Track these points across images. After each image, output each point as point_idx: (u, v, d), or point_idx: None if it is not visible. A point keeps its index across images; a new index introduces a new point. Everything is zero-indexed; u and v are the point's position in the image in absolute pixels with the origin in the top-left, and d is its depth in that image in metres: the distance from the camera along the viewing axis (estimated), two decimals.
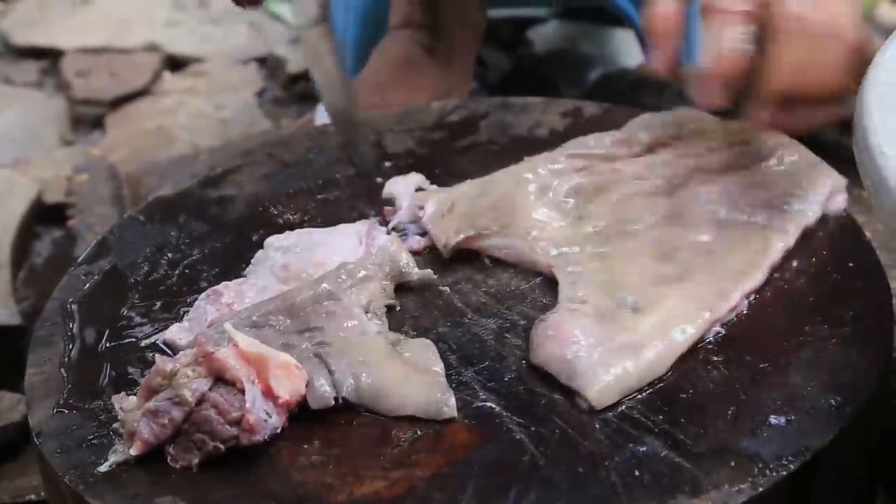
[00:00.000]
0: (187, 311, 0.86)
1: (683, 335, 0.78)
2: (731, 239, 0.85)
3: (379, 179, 1.00)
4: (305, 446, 0.74)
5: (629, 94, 1.49)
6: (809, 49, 0.83)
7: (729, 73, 0.84)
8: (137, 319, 0.88)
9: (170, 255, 0.95)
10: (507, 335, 0.82)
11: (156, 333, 0.86)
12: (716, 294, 0.81)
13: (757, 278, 0.83)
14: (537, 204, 0.91)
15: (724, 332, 0.80)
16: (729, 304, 0.80)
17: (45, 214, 1.52)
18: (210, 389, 0.72)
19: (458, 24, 1.39)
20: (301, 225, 0.96)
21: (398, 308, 0.86)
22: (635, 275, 0.83)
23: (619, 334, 0.78)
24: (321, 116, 1.40)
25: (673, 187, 0.91)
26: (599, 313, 0.80)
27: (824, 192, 0.89)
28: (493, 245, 0.90)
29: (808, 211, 0.87)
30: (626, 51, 1.76)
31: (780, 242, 0.85)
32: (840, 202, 0.90)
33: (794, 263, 0.85)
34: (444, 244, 0.90)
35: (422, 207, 0.93)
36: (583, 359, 0.76)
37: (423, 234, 0.93)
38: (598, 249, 0.86)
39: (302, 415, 0.76)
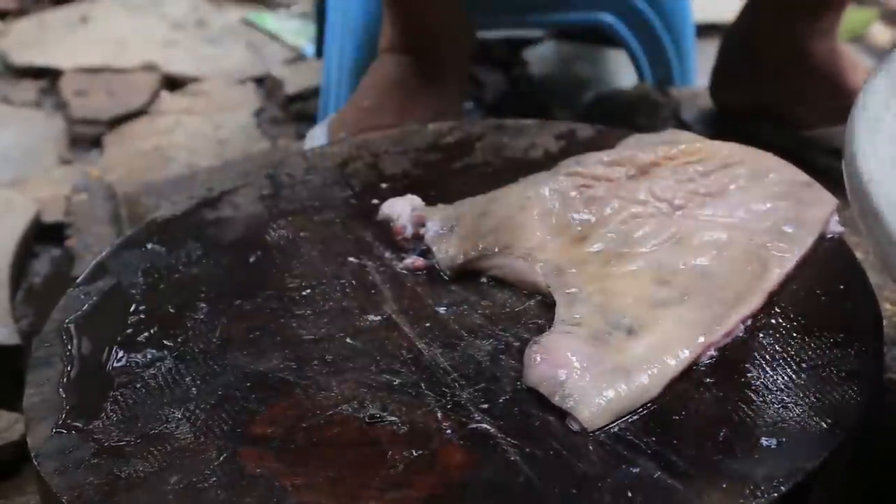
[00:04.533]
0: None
1: (676, 359, 0.79)
2: (730, 263, 0.86)
3: (375, 201, 1.01)
4: (301, 468, 0.75)
5: (623, 115, 1.49)
6: None
7: None
8: (136, 340, 0.88)
9: (167, 275, 0.95)
10: (502, 356, 0.83)
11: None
12: (711, 319, 0.81)
13: (754, 304, 0.84)
14: (539, 224, 0.92)
15: (716, 354, 0.81)
16: (724, 330, 0.81)
17: (43, 234, 1.52)
18: None
19: (444, 46, 1.40)
20: (295, 244, 0.97)
21: (395, 331, 0.86)
22: (633, 297, 0.84)
23: (612, 357, 0.78)
24: (310, 141, 1.41)
25: (672, 210, 0.92)
26: (594, 335, 0.80)
27: (823, 217, 0.90)
28: (495, 265, 0.91)
29: (807, 237, 0.88)
30: (621, 72, 1.77)
31: (779, 269, 0.86)
32: (835, 225, 0.91)
33: (785, 285, 0.86)
34: (448, 265, 0.91)
35: (423, 225, 0.95)
36: (575, 381, 0.76)
37: (423, 252, 0.94)
38: (598, 271, 0.87)
39: (298, 436, 0.77)
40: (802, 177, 0.93)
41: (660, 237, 0.89)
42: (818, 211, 0.90)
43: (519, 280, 0.90)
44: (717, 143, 0.97)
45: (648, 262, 0.87)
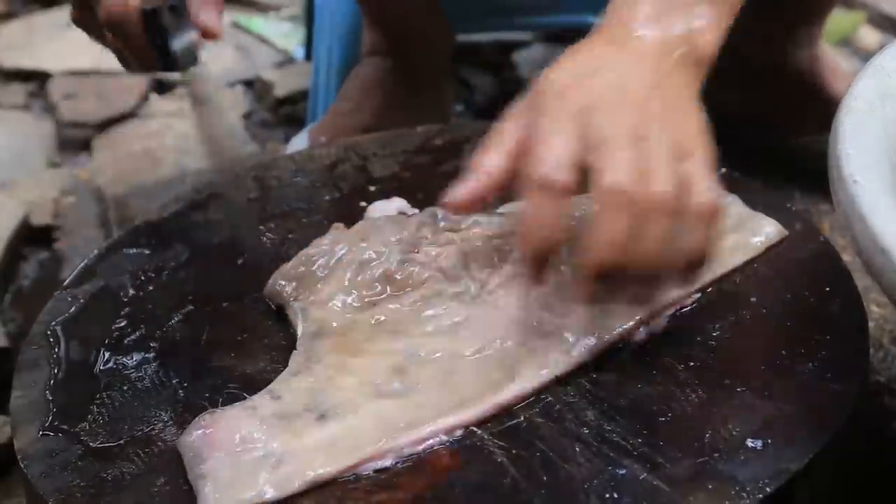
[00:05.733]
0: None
1: (350, 455, 0.74)
2: (482, 363, 0.80)
3: (363, 203, 1.01)
4: None
5: None
6: (630, 223, 0.72)
7: (547, 249, 0.74)
8: (123, 342, 0.88)
9: (155, 278, 0.95)
10: None
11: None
12: (412, 420, 0.76)
13: (471, 414, 0.77)
14: (343, 276, 0.87)
15: (702, 356, 0.81)
16: (416, 436, 0.75)
17: (32, 236, 1.52)
18: None
19: (422, 48, 1.41)
20: (282, 247, 0.97)
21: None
22: (360, 380, 0.79)
23: (281, 441, 0.75)
24: (291, 148, 1.42)
25: (480, 293, 0.86)
26: (282, 414, 0.77)
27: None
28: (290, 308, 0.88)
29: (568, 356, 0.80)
30: None
31: (522, 384, 0.79)
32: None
33: (772, 288, 0.86)
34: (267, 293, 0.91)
35: None
36: (215, 463, 0.73)
37: None
38: (356, 343, 0.82)
39: None
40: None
41: (443, 321, 0.83)
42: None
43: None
44: None
45: (408, 346, 0.81)
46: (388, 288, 0.86)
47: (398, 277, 0.86)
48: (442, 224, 0.91)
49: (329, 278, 0.87)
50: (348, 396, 0.78)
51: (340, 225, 0.95)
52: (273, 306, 0.90)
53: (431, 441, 0.75)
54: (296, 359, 0.82)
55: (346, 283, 0.87)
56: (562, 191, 0.73)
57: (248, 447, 0.74)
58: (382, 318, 0.84)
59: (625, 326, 0.82)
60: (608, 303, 0.80)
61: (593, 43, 0.80)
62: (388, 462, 0.74)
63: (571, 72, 0.78)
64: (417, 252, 0.89)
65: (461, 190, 0.78)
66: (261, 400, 0.78)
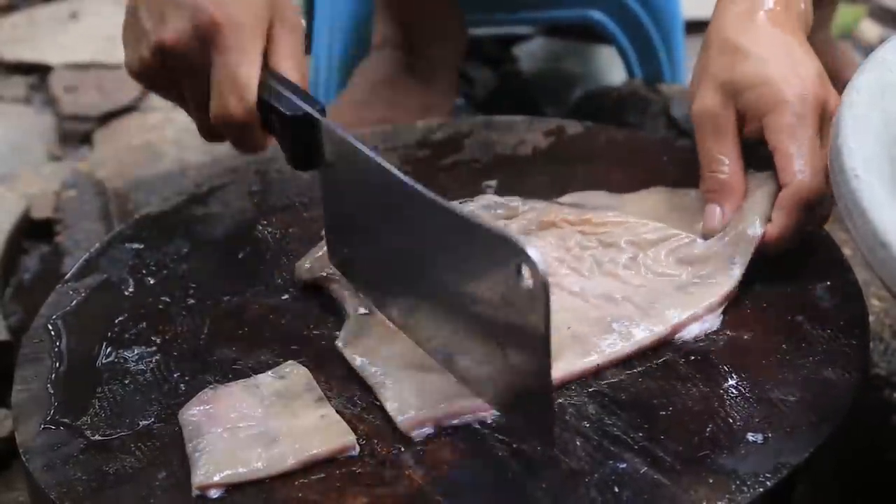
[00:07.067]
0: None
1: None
2: None
3: None
4: None
5: (613, 112, 1.49)
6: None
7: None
8: (124, 336, 0.89)
9: (156, 271, 0.96)
10: None
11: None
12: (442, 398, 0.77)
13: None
14: None
15: (702, 350, 0.81)
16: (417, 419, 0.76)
17: (32, 230, 1.52)
18: None
19: (437, 43, 1.40)
20: (283, 241, 0.97)
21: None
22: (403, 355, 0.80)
23: (277, 421, 0.77)
24: None
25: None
26: (281, 394, 0.79)
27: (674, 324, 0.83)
28: (333, 289, 0.90)
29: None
30: (610, 68, 1.78)
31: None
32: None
33: (773, 282, 0.86)
34: (298, 275, 0.92)
35: None
36: (212, 438, 0.75)
37: None
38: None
39: None
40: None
41: None
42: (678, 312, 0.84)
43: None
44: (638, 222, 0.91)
45: None
46: None
47: None
48: (499, 212, 0.93)
49: None
50: (391, 366, 0.79)
51: None
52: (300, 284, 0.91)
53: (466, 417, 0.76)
54: (348, 328, 0.84)
55: None
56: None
57: (246, 424, 0.76)
58: None
59: (679, 319, 0.82)
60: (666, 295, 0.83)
61: None
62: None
63: None
64: None
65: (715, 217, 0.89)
66: (264, 378, 0.80)
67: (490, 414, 0.76)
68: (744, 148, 0.89)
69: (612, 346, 0.81)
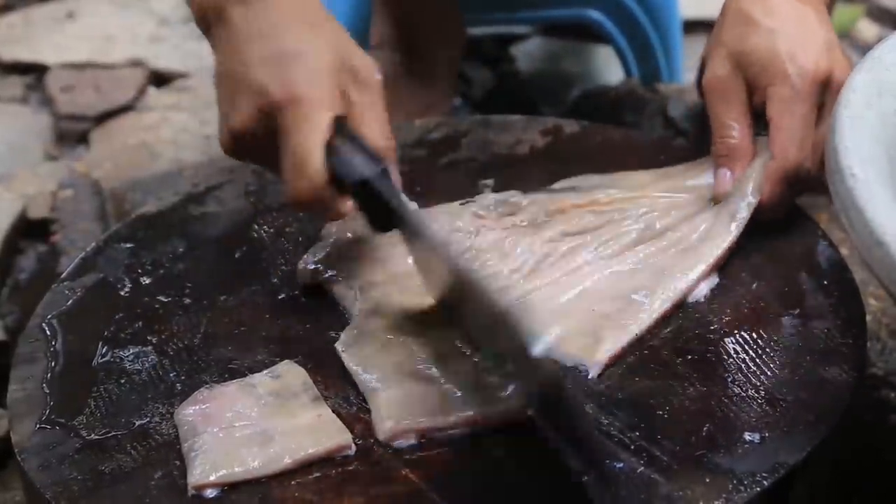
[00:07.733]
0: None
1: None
2: None
3: None
4: None
5: (610, 111, 1.49)
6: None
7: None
8: (120, 336, 0.88)
9: (153, 271, 0.95)
10: None
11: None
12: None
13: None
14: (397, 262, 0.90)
15: (700, 350, 0.81)
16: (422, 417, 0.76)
17: (29, 230, 1.51)
18: None
19: (436, 43, 1.40)
20: (280, 241, 0.97)
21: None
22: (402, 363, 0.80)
23: (274, 421, 0.77)
24: None
25: (536, 265, 0.89)
26: (277, 393, 0.79)
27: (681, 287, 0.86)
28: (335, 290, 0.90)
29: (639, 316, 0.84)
30: (608, 68, 1.77)
31: None
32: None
33: (769, 281, 0.86)
34: (301, 277, 0.92)
35: None
36: (207, 439, 0.75)
37: None
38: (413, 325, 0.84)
39: None
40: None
41: None
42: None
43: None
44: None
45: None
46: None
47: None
48: (500, 210, 0.94)
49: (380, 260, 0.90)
50: (385, 374, 0.79)
51: None
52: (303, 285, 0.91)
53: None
54: (349, 333, 0.84)
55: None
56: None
57: (242, 424, 0.76)
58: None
59: (689, 282, 0.85)
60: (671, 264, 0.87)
61: None
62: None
63: None
64: (477, 236, 0.91)
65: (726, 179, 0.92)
66: (261, 378, 0.80)
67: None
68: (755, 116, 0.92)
69: (639, 315, 0.83)
